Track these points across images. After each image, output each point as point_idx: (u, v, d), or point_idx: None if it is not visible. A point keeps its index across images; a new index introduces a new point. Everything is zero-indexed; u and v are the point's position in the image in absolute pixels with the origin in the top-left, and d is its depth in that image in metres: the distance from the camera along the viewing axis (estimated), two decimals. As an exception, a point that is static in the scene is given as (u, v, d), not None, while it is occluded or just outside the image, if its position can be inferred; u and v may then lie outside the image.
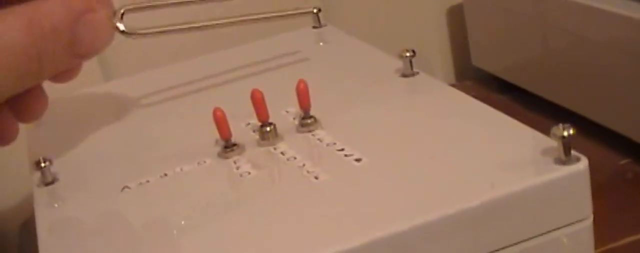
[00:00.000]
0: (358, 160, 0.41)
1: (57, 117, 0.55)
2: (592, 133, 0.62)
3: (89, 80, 0.69)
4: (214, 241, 0.37)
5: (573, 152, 0.38)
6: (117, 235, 0.39)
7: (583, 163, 0.37)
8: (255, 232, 0.37)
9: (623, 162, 0.61)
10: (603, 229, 0.47)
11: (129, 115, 0.54)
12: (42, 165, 0.45)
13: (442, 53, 0.84)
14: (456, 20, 0.82)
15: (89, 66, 0.71)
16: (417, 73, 0.51)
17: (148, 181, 0.43)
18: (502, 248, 0.37)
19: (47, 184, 0.45)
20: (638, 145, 0.59)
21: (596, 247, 0.46)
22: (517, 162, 0.38)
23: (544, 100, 0.69)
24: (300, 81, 0.46)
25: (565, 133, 0.37)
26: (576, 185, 0.37)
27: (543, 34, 0.66)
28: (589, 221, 0.38)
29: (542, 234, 0.37)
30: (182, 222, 0.39)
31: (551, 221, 0.37)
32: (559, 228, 0.38)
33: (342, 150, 0.43)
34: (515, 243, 0.37)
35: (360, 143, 0.43)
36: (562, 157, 0.38)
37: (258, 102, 0.45)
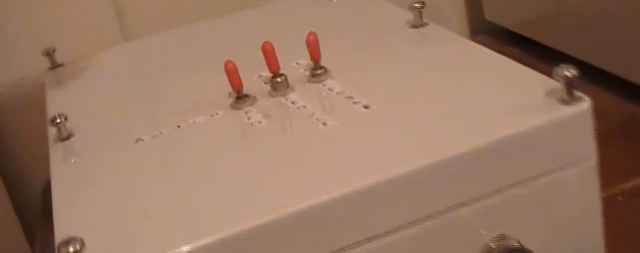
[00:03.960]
0: (366, 107, 0.42)
1: (76, 76, 0.56)
2: (604, 81, 0.63)
3: (109, 41, 0.71)
4: (225, 185, 0.38)
5: (577, 93, 0.38)
6: (128, 185, 0.40)
7: (586, 103, 0.38)
8: (264, 175, 0.38)
9: (634, 107, 0.61)
10: (615, 171, 0.48)
11: (145, 73, 0.55)
12: (57, 121, 0.46)
13: (456, 9, 0.84)
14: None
15: (109, 27, 0.72)
16: (427, 24, 0.52)
17: (161, 133, 0.44)
18: (511, 185, 0.38)
19: (63, 140, 0.46)
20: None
21: (607, 187, 0.48)
22: (523, 104, 0.39)
23: (557, 51, 0.69)
24: (310, 33, 0.46)
25: (568, 73, 0.38)
26: (580, 124, 0.38)
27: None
28: (593, 160, 0.39)
29: (548, 173, 0.38)
30: (192, 170, 0.40)
31: (557, 160, 0.38)
32: (564, 167, 0.38)
33: (351, 98, 0.43)
34: (523, 182, 0.38)
35: (368, 92, 0.44)
36: (566, 97, 0.38)
37: (269, 53, 0.46)
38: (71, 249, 0.33)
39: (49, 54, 0.59)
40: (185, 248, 0.33)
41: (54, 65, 0.60)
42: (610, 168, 0.49)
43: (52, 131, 0.47)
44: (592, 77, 0.65)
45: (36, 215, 0.77)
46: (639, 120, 0.58)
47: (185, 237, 0.34)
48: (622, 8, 0.59)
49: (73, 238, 0.33)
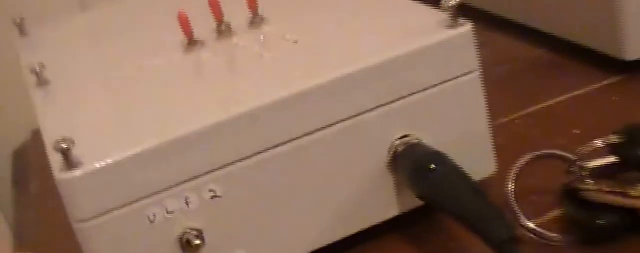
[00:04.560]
0: (295, 41, 0.51)
1: (46, 34, 0.65)
2: (515, 32, 0.73)
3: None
4: (171, 104, 0.47)
5: (461, 20, 0.48)
6: (101, 108, 0.49)
7: (467, 27, 0.48)
8: (207, 93, 0.47)
9: (539, 51, 0.71)
10: (527, 96, 0.58)
11: (107, 34, 0.64)
12: (37, 69, 0.55)
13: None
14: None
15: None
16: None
17: (123, 72, 0.53)
18: (410, 94, 0.47)
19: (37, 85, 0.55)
20: (551, 37, 0.70)
21: (520, 110, 0.58)
22: (419, 31, 0.48)
23: (474, 8, 0.79)
24: (248, -12, 0.55)
25: (452, 3, 0.47)
26: (463, 43, 0.48)
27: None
28: (477, 73, 0.48)
29: (442, 83, 0.48)
30: (147, 93, 0.49)
31: (447, 72, 0.48)
32: (454, 78, 0.48)
33: (283, 36, 0.53)
34: (421, 91, 0.47)
35: (297, 30, 0.53)
36: (451, 23, 0.48)
37: (214, 4, 0.55)
38: (64, 145, 0.41)
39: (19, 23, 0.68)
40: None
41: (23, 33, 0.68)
42: (516, 98, 0.59)
43: (31, 79, 0.55)
44: (504, 27, 0.75)
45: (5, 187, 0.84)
46: (543, 61, 0.68)
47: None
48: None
49: (64, 138, 0.42)
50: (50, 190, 0.62)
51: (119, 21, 0.65)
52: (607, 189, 0.48)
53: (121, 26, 0.64)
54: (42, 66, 0.55)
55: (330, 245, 0.48)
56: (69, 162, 0.41)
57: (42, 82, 0.55)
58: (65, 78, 0.55)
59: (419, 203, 0.49)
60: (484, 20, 0.77)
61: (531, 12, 0.72)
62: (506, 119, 0.61)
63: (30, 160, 0.76)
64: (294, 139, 0.45)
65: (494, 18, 0.76)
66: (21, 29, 0.68)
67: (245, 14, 0.57)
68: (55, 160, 0.43)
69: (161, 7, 0.65)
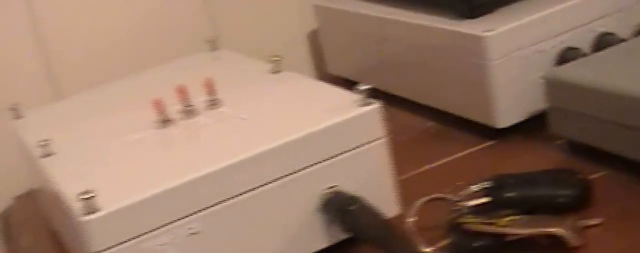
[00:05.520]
0: (245, 119, 0.69)
1: (41, 117, 0.81)
2: (412, 108, 0.92)
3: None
4: (155, 166, 0.63)
5: (370, 100, 0.66)
6: (102, 171, 0.65)
7: (375, 105, 0.65)
8: (181, 158, 0.63)
9: (430, 123, 0.90)
10: (421, 158, 0.78)
11: (93, 116, 0.79)
12: (42, 143, 0.70)
13: (306, 65, 1.13)
14: (314, 40, 1.12)
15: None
16: (282, 71, 0.79)
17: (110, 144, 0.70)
18: (334, 155, 0.64)
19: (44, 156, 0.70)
20: (439, 111, 0.89)
21: (416, 168, 0.76)
22: (337, 108, 0.66)
23: (380, 91, 0.97)
24: (207, 78, 0.73)
25: (363, 88, 0.65)
26: (372, 117, 0.65)
27: (378, 45, 0.95)
28: (383, 140, 0.66)
29: (356, 147, 0.65)
30: (134, 159, 0.65)
31: (360, 139, 0.65)
32: (366, 144, 0.65)
33: (235, 114, 0.70)
34: (342, 153, 0.64)
35: (245, 110, 0.70)
36: (363, 102, 0.65)
37: (181, 91, 0.71)
38: (87, 195, 0.57)
39: (15, 108, 0.83)
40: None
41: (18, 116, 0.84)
42: (413, 160, 0.77)
43: (37, 152, 0.71)
44: (404, 105, 0.94)
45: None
46: (432, 131, 0.87)
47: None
48: (428, 59, 0.88)
49: (87, 190, 0.57)
50: (41, 243, 0.79)
51: (100, 105, 0.81)
52: (481, 221, 0.65)
53: (103, 109, 0.80)
54: (48, 141, 0.70)
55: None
56: (90, 208, 0.57)
57: (48, 153, 0.70)
58: (66, 150, 0.71)
59: (344, 236, 0.65)
60: (387, 99, 0.96)
61: (423, 91, 0.91)
62: (407, 175, 0.78)
63: (16, 220, 0.89)
64: (249, 190, 0.62)
65: (394, 97, 0.95)
66: (16, 113, 0.83)
67: (206, 97, 0.73)
68: (75, 207, 0.58)
69: (132, 92, 0.81)
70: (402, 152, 0.83)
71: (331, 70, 1.08)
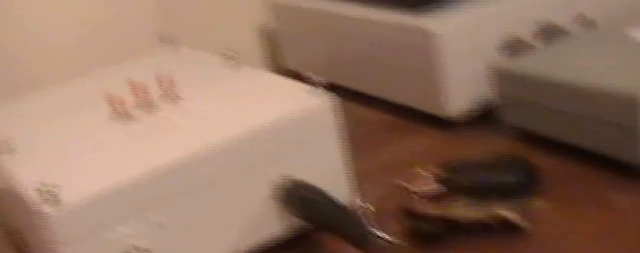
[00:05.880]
0: (206, 112, 0.70)
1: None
2: (368, 102, 0.95)
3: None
4: (115, 159, 0.64)
5: (323, 91, 0.68)
6: (64, 164, 0.66)
7: (328, 96, 0.67)
8: (140, 152, 0.65)
9: (386, 115, 0.93)
10: (378, 148, 0.79)
11: (52, 114, 0.80)
12: (6, 141, 0.71)
13: (263, 60, 1.14)
14: (272, 35, 1.13)
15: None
16: (239, 66, 0.81)
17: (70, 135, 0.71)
18: (289, 147, 0.66)
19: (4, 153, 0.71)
20: (395, 104, 0.91)
21: (373, 158, 0.78)
22: (294, 102, 0.68)
23: (338, 85, 0.99)
24: (164, 73, 0.74)
25: (316, 80, 0.67)
26: (326, 110, 0.67)
27: (334, 41, 0.97)
28: (337, 131, 0.68)
29: (311, 139, 0.67)
30: (94, 153, 0.66)
31: (315, 131, 0.67)
32: (318, 135, 0.67)
33: (192, 108, 0.71)
34: (297, 144, 0.66)
35: (202, 104, 0.72)
36: (316, 94, 0.67)
37: (139, 87, 0.73)
38: (49, 188, 0.58)
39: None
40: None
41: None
42: (370, 150, 0.79)
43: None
44: (359, 99, 0.96)
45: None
46: (389, 122, 0.89)
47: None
48: (382, 53, 0.90)
49: (46, 182, 0.58)
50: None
51: (59, 102, 0.82)
52: (434, 207, 0.68)
53: (62, 106, 0.81)
54: (10, 139, 0.71)
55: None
56: (52, 200, 0.58)
57: (8, 151, 0.71)
58: (27, 148, 0.72)
59: (301, 223, 0.67)
60: (345, 93, 0.98)
61: (378, 85, 0.94)
62: (363, 164, 0.80)
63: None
64: (208, 181, 0.63)
65: (351, 91, 0.98)
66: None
67: (163, 92, 0.75)
68: (37, 200, 0.59)
69: (90, 89, 0.83)
70: (359, 142, 0.85)
71: (289, 65, 1.10)
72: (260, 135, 0.65)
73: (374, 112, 0.93)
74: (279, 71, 1.13)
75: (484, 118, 0.82)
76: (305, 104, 0.67)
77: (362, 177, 0.72)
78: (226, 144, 0.64)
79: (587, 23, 0.88)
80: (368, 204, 0.69)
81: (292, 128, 0.66)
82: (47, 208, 0.58)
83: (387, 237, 0.67)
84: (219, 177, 0.64)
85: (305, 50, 1.04)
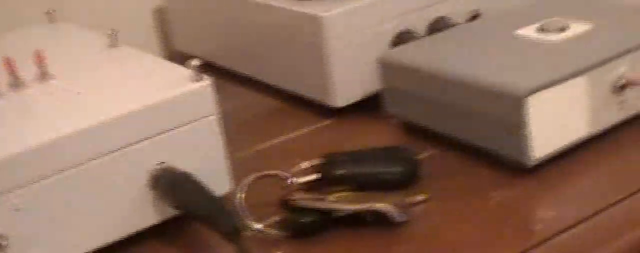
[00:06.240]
0: (79, 93, 0.67)
1: None
2: (257, 87, 0.93)
3: None
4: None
5: (202, 76, 0.65)
6: None
7: (207, 81, 0.65)
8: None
9: (274, 101, 0.91)
10: (261, 135, 0.80)
11: None
12: None
13: (152, 42, 1.11)
14: (162, 16, 1.11)
15: None
16: (119, 46, 0.78)
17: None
18: (163, 131, 0.64)
19: None
20: (282, 90, 0.90)
21: (255, 145, 0.76)
22: (170, 84, 0.65)
23: (225, 68, 0.97)
24: (37, 50, 0.70)
25: (194, 63, 0.65)
26: (203, 93, 0.65)
27: (224, 24, 0.95)
28: (214, 117, 0.66)
29: (190, 122, 0.65)
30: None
31: (191, 115, 0.65)
32: (198, 119, 0.65)
33: (64, 87, 0.68)
34: (172, 129, 0.64)
35: (76, 83, 0.69)
36: (195, 78, 0.65)
37: (8, 63, 0.69)
38: None
39: None
40: None
41: None
42: (253, 137, 0.77)
43: None
44: (251, 85, 0.94)
45: None
46: (275, 109, 0.88)
47: None
48: (270, 38, 0.88)
49: None
50: None
51: None
52: (311, 197, 0.67)
53: None
54: None
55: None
56: None
57: None
58: None
59: (173, 213, 0.65)
60: (234, 78, 0.96)
61: (266, 70, 0.92)
62: (243, 152, 0.79)
63: None
64: (76, 165, 0.60)
65: (241, 76, 0.95)
66: None
67: (35, 70, 0.71)
68: None
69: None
70: (242, 129, 0.83)
71: (179, 48, 1.07)
72: (134, 118, 0.62)
73: (262, 98, 0.92)
74: (170, 54, 1.11)
75: (371, 108, 0.81)
76: (183, 87, 0.64)
77: (241, 166, 0.70)
78: (97, 126, 0.61)
79: (479, 17, 0.88)
80: (244, 194, 0.67)
81: (168, 112, 0.64)
82: None
83: (261, 228, 0.65)
84: (87, 160, 0.61)
85: (197, 33, 1.01)
